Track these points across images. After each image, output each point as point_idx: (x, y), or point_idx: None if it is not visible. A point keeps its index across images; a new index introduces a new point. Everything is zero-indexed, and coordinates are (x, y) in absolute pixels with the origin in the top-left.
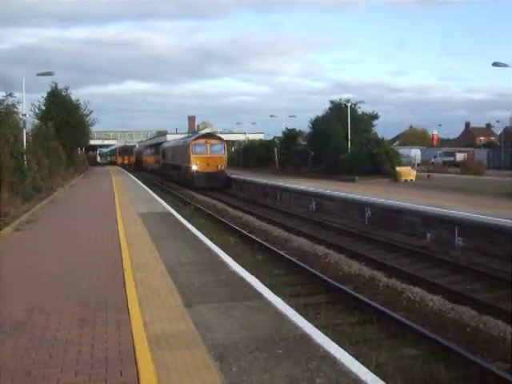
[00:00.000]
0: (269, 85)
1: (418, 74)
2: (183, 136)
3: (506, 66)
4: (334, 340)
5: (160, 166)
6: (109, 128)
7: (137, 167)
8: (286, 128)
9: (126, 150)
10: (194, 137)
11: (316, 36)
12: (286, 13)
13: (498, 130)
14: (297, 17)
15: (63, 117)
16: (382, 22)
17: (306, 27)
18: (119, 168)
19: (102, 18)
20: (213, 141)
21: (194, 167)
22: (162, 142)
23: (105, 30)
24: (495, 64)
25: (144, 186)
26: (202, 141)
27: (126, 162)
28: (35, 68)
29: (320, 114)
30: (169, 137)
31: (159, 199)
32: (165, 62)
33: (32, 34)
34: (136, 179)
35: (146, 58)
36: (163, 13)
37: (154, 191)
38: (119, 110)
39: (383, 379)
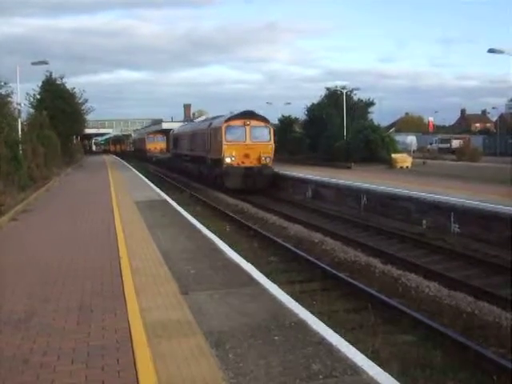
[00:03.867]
0: (261, 72)
1: (409, 61)
2: (205, 118)
3: (501, 52)
4: (330, 326)
5: (169, 157)
6: (102, 117)
7: (136, 157)
8: (282, 115)
9: (118, 140)
10: (227, 116)
11: (306, 23)
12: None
13: (493, 117)
14: (284, 4)
15: (58, 106)
16: (372, 8)
17: (295, 14)
18: (115, 157)
19: (89, 7)
20: (255, 122)
21: (228, 160)
22: (169, 128)
23: (93, 19)
24: (491, 50)
25: (140, 174)
26: (238, 122)
27: (118, 150)
28: (25, 58)
29: (314, 100)
30: (165, 125)
31: (154, 187)
32: (155, 51)
33: (21, 23)
34: (134, 169)
35: (136, 47)
36: (150, 1)
37: (152, 181)
38: (112, 98)
39: (379, 365)
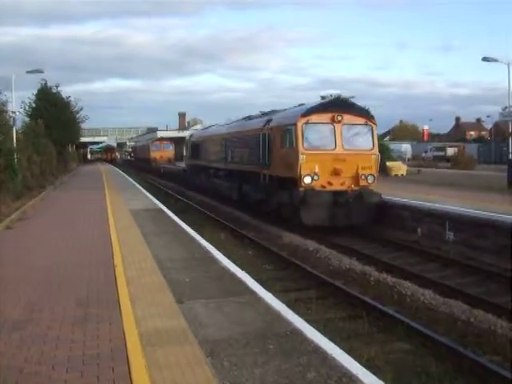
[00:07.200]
0: (252, 81)
1: (400, 69)
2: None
3: (495, 60)
4: (325, 335)
5: (186, 169)
6: (97, 125)
7: (137, 167)
8: None
9: (109, 149)
10: (305, 108)
11: (296, 32)
12: (262, 8)
13: (488, 125)
14: (273, 13)
15: (54, 114)
16: (363, 16)
17: (285, 23)
18: (111, 166)
19: (79, 17)
20: (350, 117)
21: (307, 180)
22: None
23: (83, 29)
24: (485, 59)
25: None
26: (324, 117)
27: (109, 158)
28: (18, 67)
29: None
30: (160, 133)
31: (149, 195)
32: (147, 59)
33: (12, 32)
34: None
35: (126, 56)
36: (138, 11)
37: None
38: (106, 107)
39: (374, 373)
